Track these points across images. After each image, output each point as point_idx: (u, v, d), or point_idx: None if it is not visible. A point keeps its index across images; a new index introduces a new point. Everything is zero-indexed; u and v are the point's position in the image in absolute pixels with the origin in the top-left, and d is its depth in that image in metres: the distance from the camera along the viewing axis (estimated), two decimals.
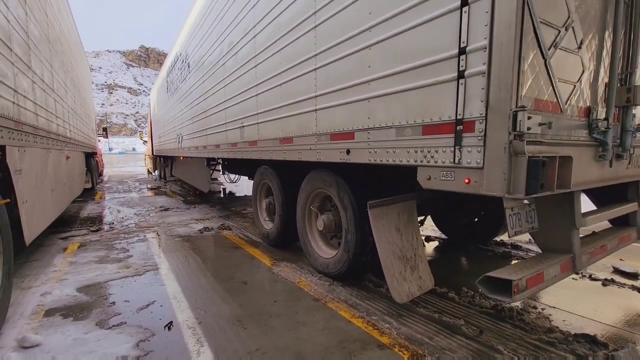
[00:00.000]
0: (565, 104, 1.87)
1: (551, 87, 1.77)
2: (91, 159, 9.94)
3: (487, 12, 1.59)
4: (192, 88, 6.83)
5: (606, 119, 2.09)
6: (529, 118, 1.57)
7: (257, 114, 4.01)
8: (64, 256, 3.90)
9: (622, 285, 2.95)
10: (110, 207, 7.42)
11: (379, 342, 2.08)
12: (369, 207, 2.36)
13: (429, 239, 4.47)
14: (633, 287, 2.89)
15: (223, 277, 3.23)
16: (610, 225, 2.94)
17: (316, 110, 2.93)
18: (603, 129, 2.06)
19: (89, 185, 9.53)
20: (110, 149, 60.69)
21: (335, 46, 2.59)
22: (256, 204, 4.72)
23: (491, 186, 1.65)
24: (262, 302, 2.69)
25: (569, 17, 1.80)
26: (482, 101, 1.64)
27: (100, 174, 14.48)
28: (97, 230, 5.18)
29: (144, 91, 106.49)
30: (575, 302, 2.65)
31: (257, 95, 3.98)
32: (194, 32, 6.38)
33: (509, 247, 4.05)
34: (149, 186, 12.08)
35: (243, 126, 4.45)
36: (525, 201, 1.94)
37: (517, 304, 2.63)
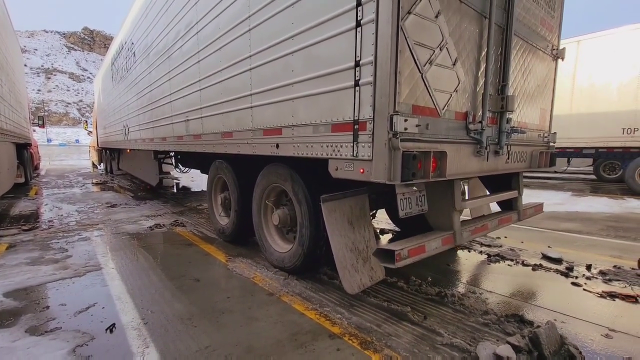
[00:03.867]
0: (443, 109, 2.20)
1: (428, 96, 2.09)
2: (24, 150, 8.99)
3: (373, 34, 1.91)
4: (138, 79, 6.52)
5: (480, 122, 2.47)
6: (405, 120, 1.89)
7: (201, 108, 4.08)
8: None
9: (548, 269, 3.29)
10: (47, 204, 6.77)
11: (330, 332, 2.14)
12: (322, 201, 2.39)
13: (383, 231, 4.64)
14: (557, 271, 3.24)
15: (174, 275, 3.10)
16: (500, 209, 3.57)
17: (251, 107, 3.12)
18: (478, 130, 2.45)
19: (22, 180, 8.63)
20: (49, 140, 55.31)
21: (267, 49, 2.81)
22: (211, 199, 4.58)
23: (377, 175, 1.96)
24: (215, 298, 2.63)
25: (442, 39, 2.12)
26: (370, 106, 1.96)
27: (36, 168, 13.16)
28: (30, 229, 4.70)
29: (88, 77, 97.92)
30: (508, 286, 2.92)
31: (200, 90, 4.04)
32: (140, 20, 6.06)
33: None
34: (94, 181, 11.18)
35: (188, 120, 4.46)
36: (415, 188, 2.27)
37: (460, 289, 2.84)
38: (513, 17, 2.64)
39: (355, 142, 2.09)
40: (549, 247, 3.99)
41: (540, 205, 3.81)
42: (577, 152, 10.50)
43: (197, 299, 2.62)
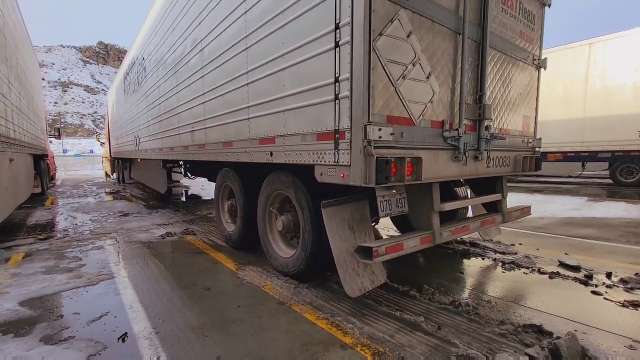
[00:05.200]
0: (418, 118, 2.35)
1: (403, 107, 2.25)
2: (41, 161, 9.24)
3: (349, 54, 2.09)
4: (148, 92, 6.86)
5: (456, 129, 2.59)
6: (379, 129, 2.07)
7: (205, 119, 4.32)
8: (6, 267, 3.58)
9: (566, 277, 3.19)
10: (62, 213, 6.91)
11: (342, 343, 2.10)
12: (322, 207, 2.46)
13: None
14: (575, 279, 3.13)
15: (185, 284, 3.11)
16: (485, 211, 3.63)
17: (249, 118, 3.33)
18: (455, 137, 2.58)
19: (39, 190, 8.85)
20: (64, 151, 56.77)
21: (261, 66, 3.03)
22: (218, 206, 4.65)
23: (355, 179, 2.14)
24: (225, 308, 2.62)
25: (415, 56, 2.29)
26: (348, 117, 2.14)
27: (52, 178, 13.50)
28: (46, 239, 4.80)
29: (102, 90, 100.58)
30: (524, 295, 2.83)
31: (204, 103, 4.27)
32: (150, 38, 6.43)
33: (468, 244, 4.25)
34: (107, 190, 11.39)
35: (193, 130, 4.73)
36: (394, 190, 2.42)
37: (474, 298, 2.77)
38: (487, 32, 2.77)
39: (336, 150, 2.26)
40: (565, 254, 3.88)
41: (528, 207, 3.83)
42: (592, 156, 10.26)
43: (207, 308, 2.61)
